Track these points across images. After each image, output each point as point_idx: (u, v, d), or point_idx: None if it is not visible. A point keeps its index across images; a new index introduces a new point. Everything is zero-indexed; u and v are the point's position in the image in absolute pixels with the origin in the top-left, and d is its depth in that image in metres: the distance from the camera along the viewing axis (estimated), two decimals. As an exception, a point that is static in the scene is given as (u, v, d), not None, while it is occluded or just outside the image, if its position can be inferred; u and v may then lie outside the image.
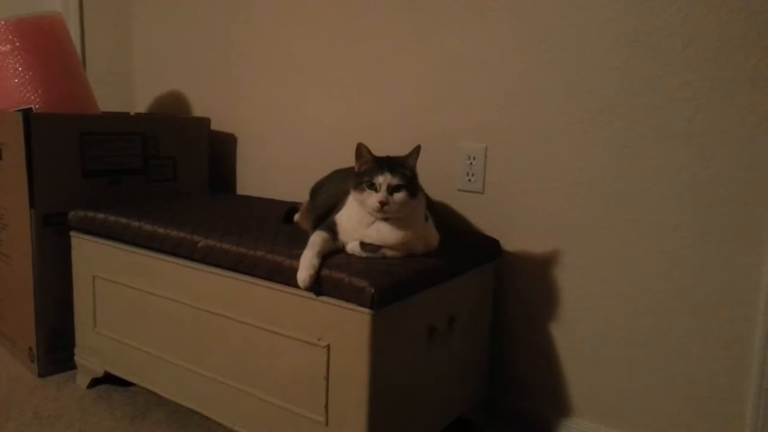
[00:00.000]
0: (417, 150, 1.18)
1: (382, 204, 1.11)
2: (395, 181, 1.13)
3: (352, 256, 1.18)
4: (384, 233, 1.16)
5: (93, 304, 1.56)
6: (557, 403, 1.48)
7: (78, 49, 2.31)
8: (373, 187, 1.13)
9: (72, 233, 1.58)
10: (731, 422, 1.27)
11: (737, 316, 1.24)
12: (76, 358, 1.64)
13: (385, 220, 1.16)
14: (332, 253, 1.18)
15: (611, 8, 1.31)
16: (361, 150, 1.18)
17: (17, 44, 1.70)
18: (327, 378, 1.14)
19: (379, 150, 1.20)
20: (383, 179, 1.12)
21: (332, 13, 1.76)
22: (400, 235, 1.17)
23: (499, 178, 1.50)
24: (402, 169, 1.15)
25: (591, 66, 1.35)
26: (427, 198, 1.28)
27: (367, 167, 1.16)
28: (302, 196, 1.52)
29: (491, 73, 1.48)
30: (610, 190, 1.35)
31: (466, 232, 1.53)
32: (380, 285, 1.06)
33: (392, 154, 1.20)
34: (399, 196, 1.13)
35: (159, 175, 1.85)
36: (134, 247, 1.44)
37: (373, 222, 1.17)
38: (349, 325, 1.09)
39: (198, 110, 2.15)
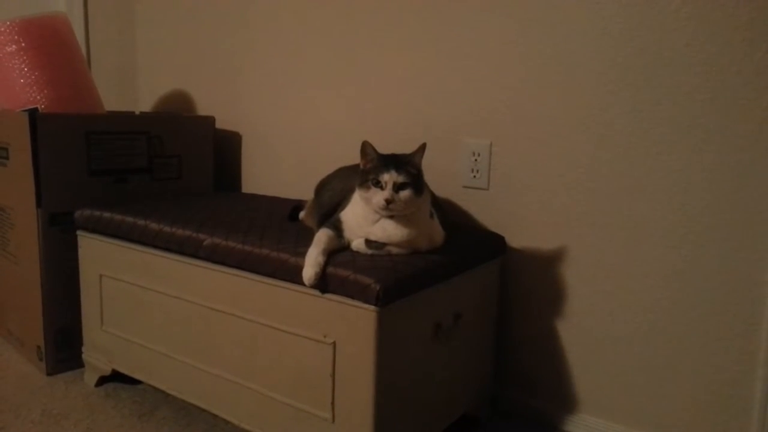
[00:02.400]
0: (422, 148, 1.18)
1: (388, 202, 1.12)
2: (401, 179, 1.13)
3: (357, 253, 1.18)
4: (389, 231, 1.17)
5: (100, 303, 1.57)
6: (562, 399, 1.48)
7: (83, 48, 2.32)
8: (378, 185, 1.13)
9: (78, 232, 1.59)
10: (737, 418, 1.27)
11: (742, 311, 1.24)
12: (84, 357, 1.65)
13: (391, 217, 1.16)
14: (337, 250, 1.18)
15: (616, 3, 1.31)
16: (366, 148, 1.18)
17: (22, 44, 1.70)
18: (333, 375, 1.14)
19: (385, 148, 1.20)
20: (389, 177, 1.13)
21: (336, 11, 1.76)
22: (405, 232, 1.17)
23: (504, 175, 1.50)
24: (407, 166, 1.15)
25: (596, 61, 1.35)
26: (432, 195, 1.28)
27: (372, 165, 1.16)
28: (307, 193, 1.52)
29: (496, 69, 1.48)
30: (615, 186, 1.35)
31: (471, 229, 1.53)
32: (386, 282, 1.07)
33: (397, 151, 1.20)
34: (404, 193, 1.13)
35: (164, 174, 1.86)
36: (140, 245, 1.45)
37: (379, 219, 1.17)
38: (355, 322, 1.10)
39: (202, 109, 2.16)
